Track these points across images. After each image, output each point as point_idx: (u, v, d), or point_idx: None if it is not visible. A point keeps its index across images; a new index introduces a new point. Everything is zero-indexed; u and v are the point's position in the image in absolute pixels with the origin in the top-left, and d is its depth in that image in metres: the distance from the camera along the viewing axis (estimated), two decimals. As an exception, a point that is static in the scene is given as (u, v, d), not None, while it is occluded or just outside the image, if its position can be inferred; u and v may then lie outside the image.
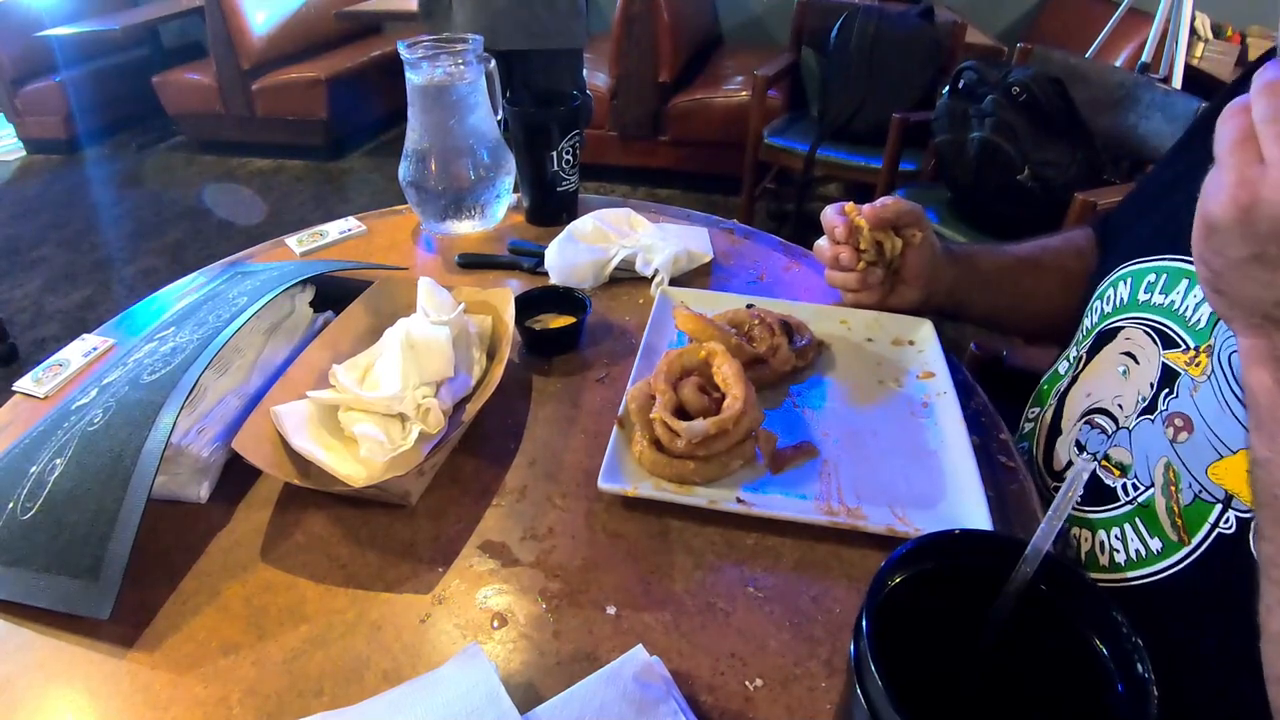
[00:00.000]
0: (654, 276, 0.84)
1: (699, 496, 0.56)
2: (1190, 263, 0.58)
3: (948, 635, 0.31)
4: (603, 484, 0.56)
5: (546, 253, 0.86)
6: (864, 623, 0.28)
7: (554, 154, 0.94)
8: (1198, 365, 0.57)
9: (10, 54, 3.61)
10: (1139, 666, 0.27)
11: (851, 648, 0.28)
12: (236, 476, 0.60)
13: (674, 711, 0.41)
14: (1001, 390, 0.76)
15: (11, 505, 0.53)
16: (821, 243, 0.77)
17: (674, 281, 0.84)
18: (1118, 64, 2.33)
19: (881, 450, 0.61)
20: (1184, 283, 0.59)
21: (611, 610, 0.50)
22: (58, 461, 0.54)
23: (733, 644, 0.47)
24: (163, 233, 3.03)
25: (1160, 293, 0.62)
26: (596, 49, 3.11)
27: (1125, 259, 0.67)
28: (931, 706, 0.25)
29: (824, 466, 0.60)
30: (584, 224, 0.89)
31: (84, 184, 3.58)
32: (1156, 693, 0.26)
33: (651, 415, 0.59)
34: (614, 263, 0.85)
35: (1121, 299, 0.66)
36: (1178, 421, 0.57)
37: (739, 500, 0.56)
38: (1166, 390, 0.59)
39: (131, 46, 3.86)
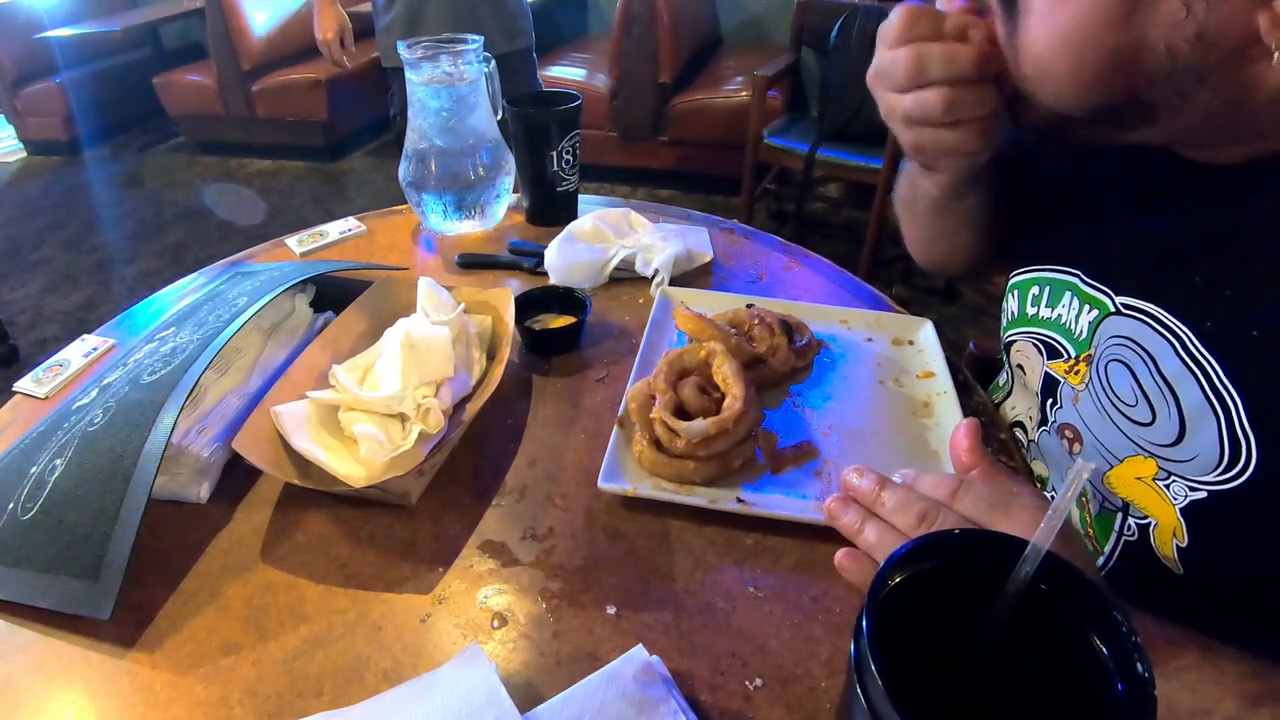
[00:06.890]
0: (654, 276, 0.84)
1: (699, 496, 0.56)
2: (1071, 273, 0.59)
3: (948, 635, 0.31)
4: (603, 484, 0.56)
5: (546, 253, 0.86)
6: (864, 622, 0.28)
7: (554, 154, 0.94)
8: (1077, 374, 0.57)
9: (11, 55, 3.62)
10: (1139, 666, 0.27)
11: (851, 647, 0.28)
12: (237, 476, 0.60)
13: (674, 711, 0.41)
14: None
15: (12, 505, 0.53)
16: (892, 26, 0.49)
17: (674, 281, 0.84)
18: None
19: (882, 450, 0.61)
20: (1066, 295, 0.59)
21: (611, 610, 0.50)
22: (58, 462, 0.54)
23: (733, 644, 0.47)
24: (163, 234, 3.03)
25: (1046, 306, 0.61)
26: (597, 49, 3.12)
27: (1015, 265, 0.66)
28: (932, 706, 0.25)
29: (824, 466, 0.60)
30: (584, 224, 0.89)
31: (84, 185, 3.58)
32: (1157, 693, 0.26)
33: (651, 415, 0.59)
34: (614, 263, 0.85)
35: (1012, 312, 0.66)
36: (1068, 433, 0.58)
37: (739, 500, 0.56)
38: (1050, 400, 0.60)
39: (132, 47, 3.88)
